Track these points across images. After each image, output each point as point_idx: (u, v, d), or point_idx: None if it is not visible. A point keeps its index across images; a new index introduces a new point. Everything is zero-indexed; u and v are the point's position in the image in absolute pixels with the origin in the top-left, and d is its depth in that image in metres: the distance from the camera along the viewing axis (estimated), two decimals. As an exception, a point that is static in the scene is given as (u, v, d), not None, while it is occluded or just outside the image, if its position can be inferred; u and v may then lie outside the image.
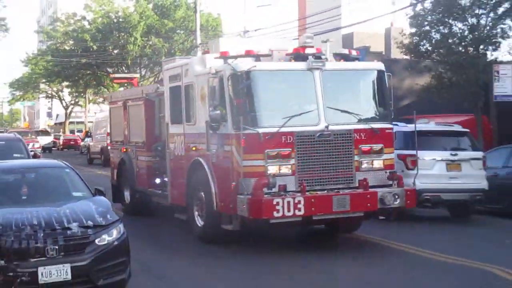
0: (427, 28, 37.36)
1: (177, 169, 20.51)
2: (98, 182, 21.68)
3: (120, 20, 78.21)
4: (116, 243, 12.75)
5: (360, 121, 18.15)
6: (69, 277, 12.03)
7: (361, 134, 17.94)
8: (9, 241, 12.04)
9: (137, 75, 27.18)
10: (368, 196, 17.56)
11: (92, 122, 72.62)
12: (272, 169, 17.17)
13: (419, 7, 38.44)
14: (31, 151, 46.55)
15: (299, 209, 16.82)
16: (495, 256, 17.41)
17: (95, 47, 77.62)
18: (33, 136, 68.95)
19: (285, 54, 18.50)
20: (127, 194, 24.78)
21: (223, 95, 17.57)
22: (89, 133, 67.38)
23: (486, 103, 36.06)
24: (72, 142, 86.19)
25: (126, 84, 32.25)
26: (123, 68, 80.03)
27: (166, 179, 22.10)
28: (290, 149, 17.30)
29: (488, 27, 36.43)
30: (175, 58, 23.10)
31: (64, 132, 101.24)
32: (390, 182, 18.19)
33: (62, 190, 14.63)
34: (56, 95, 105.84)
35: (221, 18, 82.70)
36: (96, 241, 12.47)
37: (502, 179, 19.15)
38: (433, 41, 37.51)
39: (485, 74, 34.34)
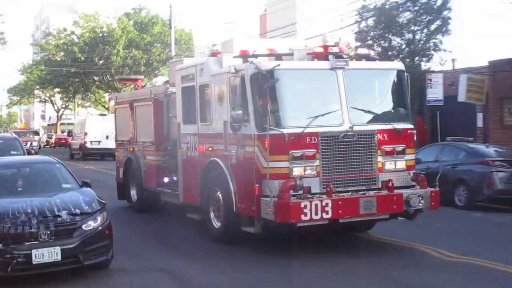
0: (370, 42, 38.25)
1: (190, 169, 17.09)
2: (83, 175, 20.04)
3: (105, 34, 76.15)
4: (100, 228, 12.72)
5: (382, 121, 14.87)
6: (59, 258, 12.01)
7: (384, 134, 14.71)
8: (6, 227, 12.08)
9: (142, 77, 23.67)
10: (394, 198, 14.34)
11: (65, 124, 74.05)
12: (297, 171, 13.96)
13: (363, 24, 39.37)
14: (31, 148, 45.74)
15: (327, 212, 13.62)
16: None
17: (82, 58, 75.74)
18: (30, 136, 67.48)
19: (306, 54, 15.22)
20: (133, 192, 21.34)
21: (244, 95, 14.30)
22: (70, 133, 65.27)
23: (420, 107, 37.31)
24: (63, 141, 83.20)
25: (127, 85, 29.65)
26: (108, 76, 78.77)
27: (175, 178, 18.75)
28: (315, 150, 14.04)
29: (422, 42, 37.79)
30: (183, 59, 19.70)
31: (56, 132, 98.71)
32: (413, 183, 14.99)
33: (53, 182, 14.34)
34: (49, 100, 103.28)
35: (192, 33, 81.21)
36: (83, 226, 12.45)
37: (434, 171, 17.23)
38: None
39: (420, 82, 33.92)
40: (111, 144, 45.92)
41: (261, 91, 14.06)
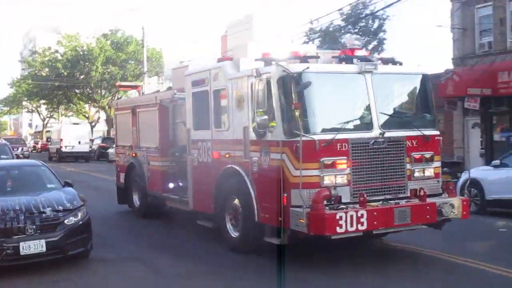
0: None
1: (201, 176, 13.91)
2: (65, 176, 17.50)
3: (85, 52, 72.74)
4: (80, 222, 12.15)
5: (410, 127, 11.93)
6: (44, 249, 11.54)
7: (413, 141, 11.78)
8: None
9: (141, 83, 20.25)
10: (428, 207, 11.43)
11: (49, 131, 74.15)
12: (328, 179, 10.95)
13: (310, 44, 35.67)
14: (21, 153, 44.60)
15: (362, 224, 10.67)
16: None
17: (65, 73, 72.34)
18: (21, 142, 67.60)
19: (331, 57, 12.23)
20: (136, 198, 17.98)
21: (270, 99, 11.31)
22: (49, 139, 66.98)
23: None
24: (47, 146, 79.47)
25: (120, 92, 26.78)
26: (88, 89, 75.44)
27: (181, 183, 15.62)
28: (346, 158, 11.08)
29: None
30: (188, 65, 16.49)
31: (42, 139, 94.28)
32: (440, 191, 12.11)
33: (39, 183, 13.61)
34: (35, 110, 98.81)
35: (162, 51, 78.31)
36: (65, 221, 11.93)
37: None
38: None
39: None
40: (82, 148, 52.44)
41: (289, 95, 11.08)
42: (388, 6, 30.97)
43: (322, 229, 10.44)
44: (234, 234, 12.72)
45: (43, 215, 11.67)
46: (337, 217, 10.46)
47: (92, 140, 59.34)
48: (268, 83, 11.24)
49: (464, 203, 11.77)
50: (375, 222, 10.80)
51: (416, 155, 11.75)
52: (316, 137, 10.86)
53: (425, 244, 13.04)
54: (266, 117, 11.18)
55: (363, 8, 39.08)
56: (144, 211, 17.23)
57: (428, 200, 11.47)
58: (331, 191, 10.59)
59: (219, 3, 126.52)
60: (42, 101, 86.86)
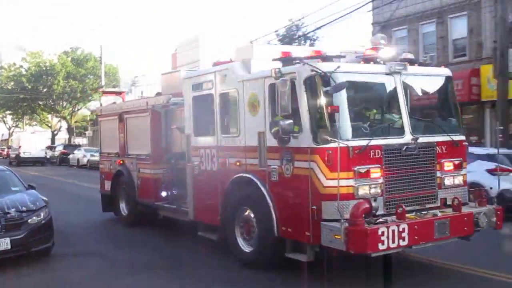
0: None
1: (204, 185, 11.14)
2: (29, 180, 15.89)
3: (48, 68, 69.41)
4: (43, 221, 11.29)
5: (440, 132, 9.54)
6: (9, 247, 10.66)
7: (442, 147, 9.39)
8: None
9: (125, 90, 17.30)
10: (465, 218, 9.05)
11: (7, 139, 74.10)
12: (363, 190, 8.47)
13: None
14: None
15: (403, 239, 8.22)
16: None
17: (29, 87, 69.04)
18: None
19: (355, 57, 9.74)
20: (124, 206, 14.93)
21: (295, 101, 8.70)
22: (9, 146, 66.36)
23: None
24: (13, 153, 75.90)
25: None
26: (50, 101, 72.26)
27: (175, 192, 12.91)
28: (379, 166, 8.63)
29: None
30: (179, 70, 13.79)
31: (7, 147, 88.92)
32: (467, 200, 9.78)
33: (4, 186, 12.46)
34: (2, 120, 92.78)
35: (118, 67, 74.76)
36: (29, 221, 11.05)
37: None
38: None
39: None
40: (39, 154, 52.34)
41: (317, 96, 8.57)
42: (318, 28, 29.43)
43: (363, 247, 7.95)
44: (247, 248, 10.07)
45: (8, 215, 10.87)
46: (379, 232, 8.02)
47: (53, 147, 60.58)
48: (293, 84, 8.70)
49: (498, 212, 9.46)
50: (416, 237, 8.37)
51: (446, 162, 9.41)
52: (349, 143, 8.42)
53: (452, 257, 10.30)
54: (291, 121, 8.64)
55: (296, 30, 38.26)
56: (133, 220, 14.28)
57: (465, 210, 9.16)
58: (371, 204, 8.14)
59: (169, 24, 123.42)
60: (8, 112, 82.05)
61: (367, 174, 8.49)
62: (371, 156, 8.59)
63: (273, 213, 9.29)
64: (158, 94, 14.28)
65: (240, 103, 10.00)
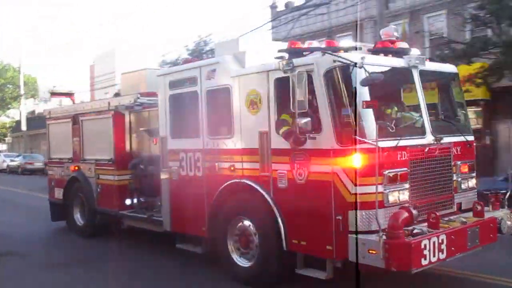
0: None
1: (185, 192, 8.85)
2: None
3: None
4: None
5: (455, 132, 7.85)
6: None
7: (458, 148, 7.71)
8: None
9: (75, 92, 14.46)
10: (491, 225, 7.45)
11: None
12: (393, 197, 6.64)
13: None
14: None
15: (442, 251, 6.46)
16: None
17: None
18: None
19: (366, 50, 7.84)
20: (78, 215, 12.20)
21: (313, 97, 6.78)
22: None
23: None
24: None
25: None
26: None
27: (142, 199, 10.58)
28: (406, 169, 6.85)
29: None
30: (143, 69, 11.45)
31: None
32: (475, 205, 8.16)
33: None
34: None
35: (36, 77, 70.64)
36: None
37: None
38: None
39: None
40: None
41: (341, 91, 6.68)
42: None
43: (407, 263, 6.11)
44: (244, 262, 7.99)
45: None
46: (422, 245, 6.25)
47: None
48: (309, 77, 6.78)
49: (516, 217, 7.96)
50: (453, 248, 6.64)
51: (462, 164, 7.79)
52: (380, 144, 6.59)
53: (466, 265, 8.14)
54: (309, 119, 6.69)
55: (204, 45, 36.55)
56: (91, 230, 11.68)
57: (488, 215, 7.55)
58: (412, 212, 6.34)
59: (87, 38, 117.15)
60: None
61: (395, 178, 6.70)
62: (398, 159, 6.81)
63: (280, 224, 7.29)
64: (117, 95, 11.81)
65: (235, 100, 7.92)
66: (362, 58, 6.67)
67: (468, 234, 6.92)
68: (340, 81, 6.67)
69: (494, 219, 7.46)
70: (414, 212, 6.33)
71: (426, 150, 7.15)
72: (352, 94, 6.58)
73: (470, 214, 7.52)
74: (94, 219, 11.47)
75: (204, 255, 8.80)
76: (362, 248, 6.34)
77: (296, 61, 6.97)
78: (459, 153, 7.74)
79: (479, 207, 7.43)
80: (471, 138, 8.09)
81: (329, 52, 6.73)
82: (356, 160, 6.47)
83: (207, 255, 8.75)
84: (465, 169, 7.80)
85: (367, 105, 6.33)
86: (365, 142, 6.46)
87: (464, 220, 7.14)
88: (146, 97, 10.40)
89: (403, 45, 7.54)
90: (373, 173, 6.42)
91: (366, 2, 23.65)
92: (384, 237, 6.15)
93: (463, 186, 7.75)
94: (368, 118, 6.67)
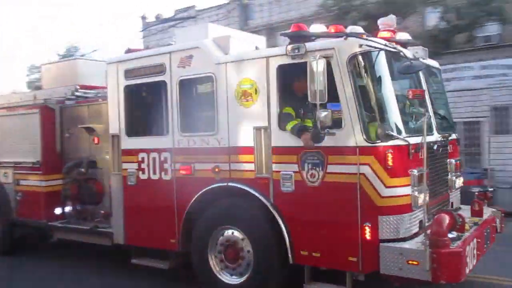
0: None
1: (147, 199, 6.82)
2: None
3: None
4: None
5: (447, 130, 6.81)
6: None
7: (451, 145, 6.70)
8: None
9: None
10: (494, 224, 6.52)
11: None
12: (421, 198, 5.32)
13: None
14: None
15: (474, 256, 5.38)
16: None
17: None
18: None
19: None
20: None
21: (333, 86, 5.25)
22: None
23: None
24: None
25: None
26: None
27: (78, 207, 8.24)
28: (427, 168, 5.57)
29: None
30: (72, 58, 9.06)
31: None
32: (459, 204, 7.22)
33: None
34: None
35: None
36: None
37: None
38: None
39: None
40: None
41: (367, 79, 5.28)
42: (94, 50, 28.64)
43: (458, 274, 4.89)
44: (232, 279, 6.22)
45: None
46: (466, 253, 5.06)
47: None
48: (328, 64, 5.27)
49: (503, 214, 7.09)
50: (478, 252, 5.61)
51: (456, 162, 6.80)
52: (410, 141, 5.31)
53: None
54: (329, 111, 5.19)
55: (75, 51, 35.02)
56: (8, 246, 8.93)
57: (487, 215, 6.59)
58: (454, 217, 5.12)
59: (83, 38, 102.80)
60: None
61: (421, 178, 5.46)
62: (420, 157, 5.58)
63: (284, 233, 5.69)
64: (38, 88, 9.27)
65: (220, 91, 6.16)
66: (385, 44, 5.35)
67: (485, 236, 5.90)
68: (368, 69, 5.28)
69: (494, 218, 6.54)
70: (456, 215, 5.15)
71: (435, 147, 6.02)
72: (380, 83, 5.23)
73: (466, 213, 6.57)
74: (11, 233, 8.82)
75: (171, 271, 6.87)
76: (399, 259, 5.01)
77: (310, 45, 5.45)
78: (452, 151, 6.74)
79: (477, 206, 6.46)
80: (456, 136, 7.15)
81: (355, 35, 5.30)
82: (390, 159, 5.12)
83: (175, 271, 6.84)
84: (457, 167, 6.82)
85: (414, 94, 5.00)
86: (398, 138, 5.15)
87: (477, 221, 6.12)
88: (83, 90, 8.15)
89: (404, 35, 6.34)
90: (403, 173, 5.15)
91: (229, 19, 22.90)
92: (428, 247, 4.87)
93: (456, 185, 6.75)
94: (396, 112, 5.39)
